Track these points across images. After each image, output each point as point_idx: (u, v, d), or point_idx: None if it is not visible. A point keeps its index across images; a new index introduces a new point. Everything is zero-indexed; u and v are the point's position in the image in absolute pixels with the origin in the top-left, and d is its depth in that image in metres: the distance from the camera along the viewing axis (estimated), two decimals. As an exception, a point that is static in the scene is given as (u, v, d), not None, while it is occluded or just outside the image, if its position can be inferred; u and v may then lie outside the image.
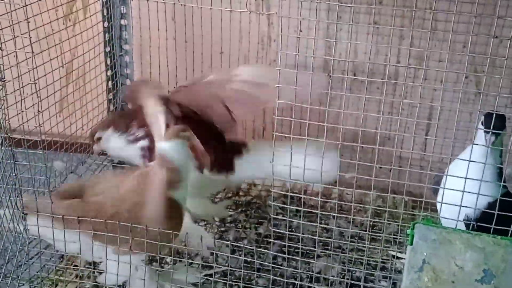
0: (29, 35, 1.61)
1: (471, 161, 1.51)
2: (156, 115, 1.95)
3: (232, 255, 1.98)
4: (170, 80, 2.62)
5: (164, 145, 1.77)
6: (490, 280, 1.43)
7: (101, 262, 1.84)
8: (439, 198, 1.60)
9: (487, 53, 1.47)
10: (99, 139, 2.18)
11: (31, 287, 1.90)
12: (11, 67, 1.73)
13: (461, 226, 1.58)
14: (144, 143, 2.13)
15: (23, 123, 1.73)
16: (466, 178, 1.50)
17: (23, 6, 1.65)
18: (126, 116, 2.23)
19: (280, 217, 2.13)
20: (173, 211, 1.75)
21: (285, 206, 1.77)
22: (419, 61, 2.37)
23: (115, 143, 2.17)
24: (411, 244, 1.47)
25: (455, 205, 1.53)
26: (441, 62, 2.32)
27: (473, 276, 1.43)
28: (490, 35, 1.46)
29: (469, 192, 1.50)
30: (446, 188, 1.56)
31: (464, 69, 1.54)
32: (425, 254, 1.46)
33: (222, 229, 2.25)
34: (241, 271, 1.85)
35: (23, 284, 1.89)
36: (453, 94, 2.31)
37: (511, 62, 2.17)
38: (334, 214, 1.78)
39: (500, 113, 1.60)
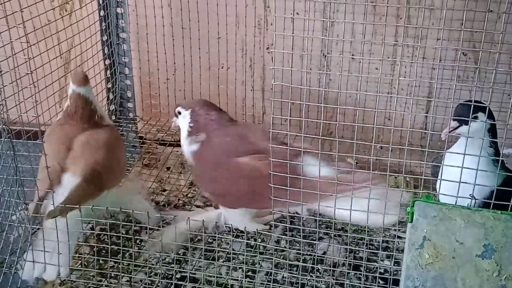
0: (24, 25, 1.61)
1: (453, 152, 1.50)
2: None
3: (235, 239, 1.98)
4: (168, 67, 2.62)
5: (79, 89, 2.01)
6: (491, 255, 1.43)
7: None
8: (437, 189, 1.60)
9: (484, 30, 1.45)
10: (179, 113, 2.10)
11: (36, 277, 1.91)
12: (8, 58, 1.72)
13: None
14: (194, 148, 2.07)
15: (21, 114, 1.74)
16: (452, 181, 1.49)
17: (16, -3, 1.65)
18: (207, 110, 2.10)
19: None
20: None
21: (285, 188, 1.77)
22: (417, 40, 2.36)
23: (183, 127, 2.10)
24: (411, 222, 1.47)
25: (453, 195, 1.52)
26: (440, 40, 2.31)
27: (474, 251, 1.44)
28: (486, 10, 1.45)
29: (466, 183, 1.48)
30: (444, 180, 1.55)
31: (463, 47, 1.53)
32: (425, 231, 1.46)
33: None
34: (244, 255, 1.86)
35: (28, 274, 1.90)
36: (452, 72, 2.31)
37: (509, 38, 2.19)
38: (335, 195, 1.77)
39: (473, 103, 1.55)
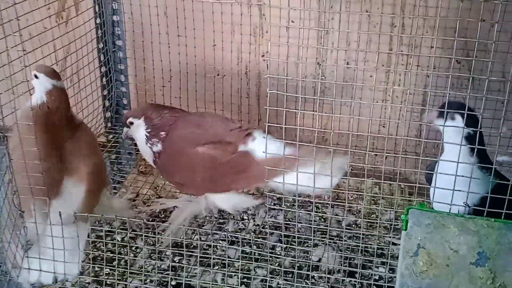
0: (20, 34, 1.61)
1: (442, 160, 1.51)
2: None
3: (230, 246, 1.99)
4: (164, 75, 2.63)
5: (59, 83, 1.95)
6: (485, 263, 1.44)
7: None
8: (431, 196, 1.62)
9: (478, 38, 1.47)
10: (131, 123, 2.18)
11: (31, 284, 1.91)
12: (4, 66, 1.73)
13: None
14: (157, 148, 2.15)
15: (17, 121, 1.74)
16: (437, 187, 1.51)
17: (13, 5, 1.65)
18: (159, 112, 2.20)
19: (277, 207, 2.15)
20: None
21: (281, 195, 1.78)
22: (411, 48, 2.38)
23: (140, 135, 2.18)
24: (406, 229, 1.48)
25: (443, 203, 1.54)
26: (434, 48, 2.33)
27: (468, 259, 1.44)
28: (479, 19, 1.46)
29: (458, 190, 1.50)
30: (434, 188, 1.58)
31: (456, 56, 1.54)
32: (419, 238, 1.47)
33: (221, 220, 2.26)
34: (239, 262, 1.87)
35: (24, 281, 1.90)
36: (446, 80, 2.32)
37: (502, 47, 2.21)
38: (330, 202, 1.78)
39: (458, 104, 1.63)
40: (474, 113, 1.61)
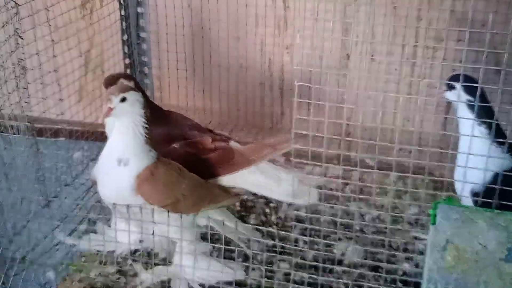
0: (49, 24, 1.62)
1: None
2: None
3: (254, 239, 1.98)
4: (187, 67, 2.63)
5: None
6: (514, 258, 1.42)
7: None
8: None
9: (506, 32, 1.45)
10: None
11: (56, 273, 1.93)
12: (32, 56, 1.74)
13: (469, 202, 1.64)
14: None
15: (44, 111, 1.76)
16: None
17: (42, -5, 1.67)
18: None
19: (301, 200, 2.14)
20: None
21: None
22: (438, 41, 2.35)
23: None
24: (434, 223, 1.46)
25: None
26: (460, 41, 2.30)
27: (497, 254, 1.42)
28: (509, 12, 1.44)
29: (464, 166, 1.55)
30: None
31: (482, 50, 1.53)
32: (448, 233, 1.45)
33: (243, 213, 2.26)
34: (262, 254, 1.86)
35: (49, 271, 1.92)
36: (472, 74, 2.29)
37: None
38: (354, 196, 1.77)
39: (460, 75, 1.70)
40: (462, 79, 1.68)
